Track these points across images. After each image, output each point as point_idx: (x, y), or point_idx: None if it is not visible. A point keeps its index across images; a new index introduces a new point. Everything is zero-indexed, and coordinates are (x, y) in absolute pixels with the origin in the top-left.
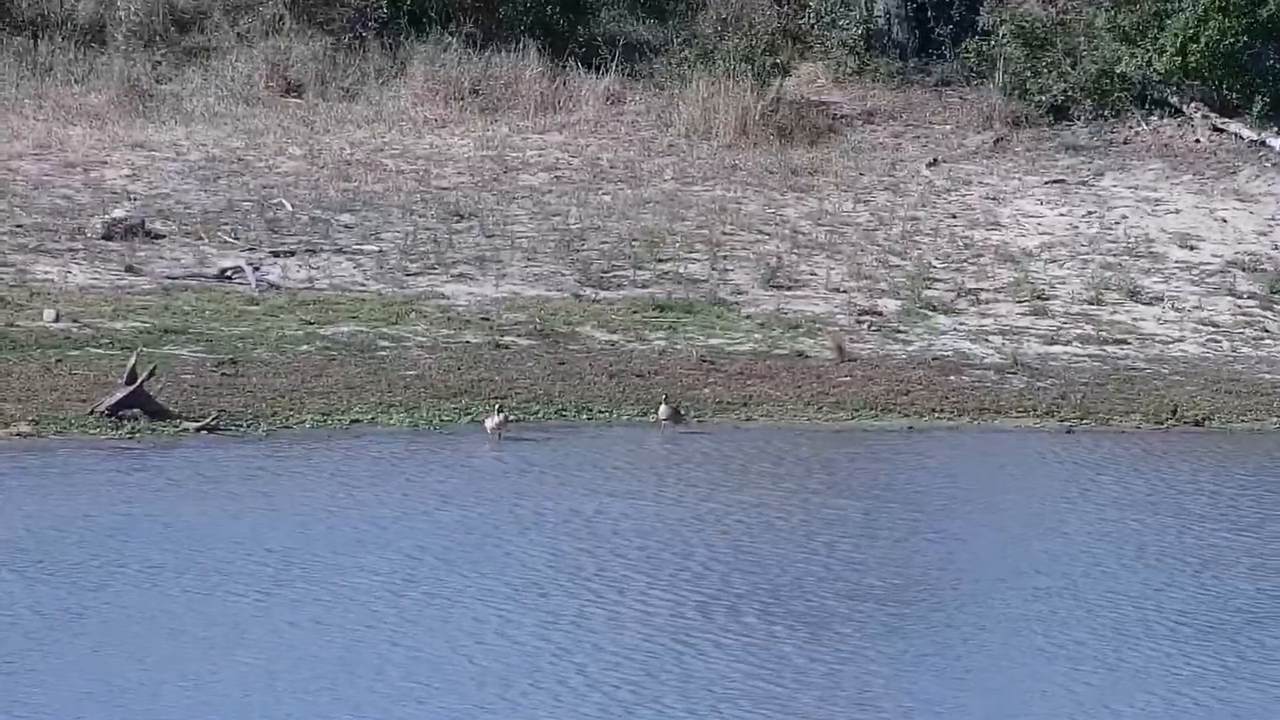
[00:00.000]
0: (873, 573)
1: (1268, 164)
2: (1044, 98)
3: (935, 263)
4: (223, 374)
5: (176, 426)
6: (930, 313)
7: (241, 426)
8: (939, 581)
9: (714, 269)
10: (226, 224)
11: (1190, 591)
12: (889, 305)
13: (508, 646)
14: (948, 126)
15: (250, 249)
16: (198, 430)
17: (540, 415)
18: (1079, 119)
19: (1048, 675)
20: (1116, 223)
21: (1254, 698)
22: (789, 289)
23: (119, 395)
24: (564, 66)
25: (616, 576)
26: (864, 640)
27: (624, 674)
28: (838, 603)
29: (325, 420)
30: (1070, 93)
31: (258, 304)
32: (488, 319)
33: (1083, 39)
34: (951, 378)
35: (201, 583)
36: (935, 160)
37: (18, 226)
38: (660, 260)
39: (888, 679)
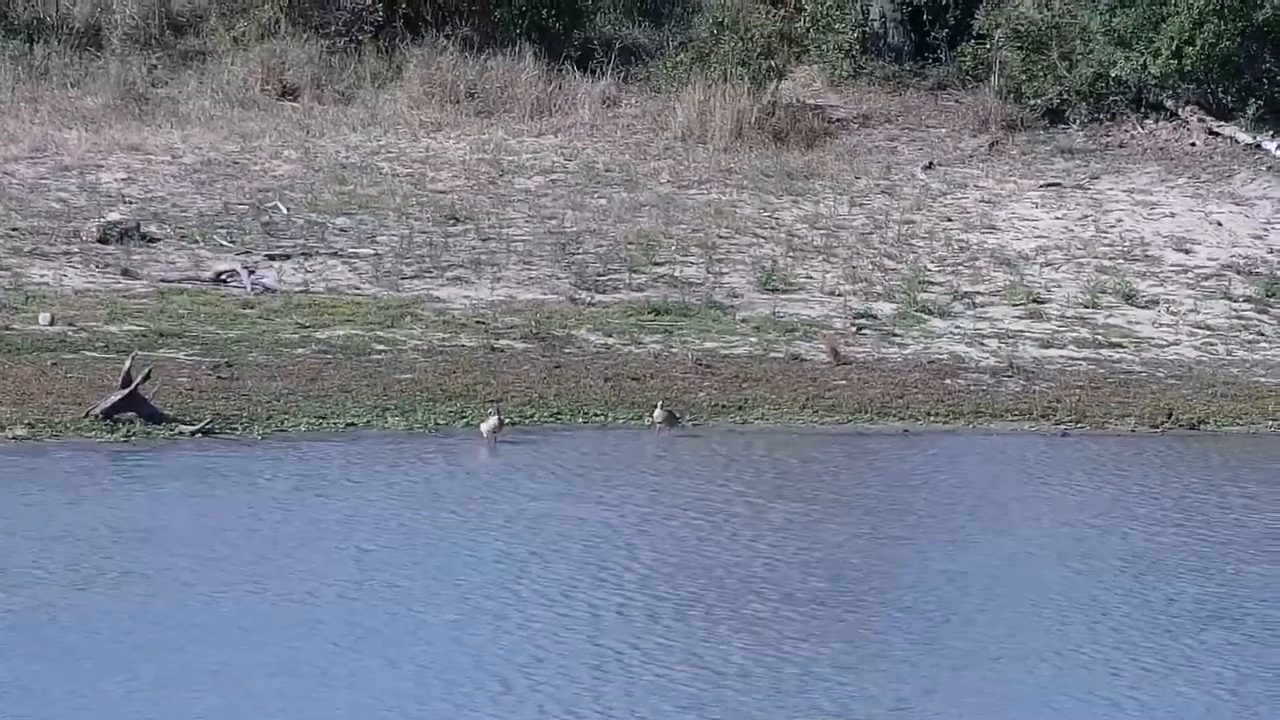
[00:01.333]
0: (823, 575)
1: (1263, 167)
2: (1039, 101)
3: (931, 266)
4: (218, 377)
5: (172, 430)
6: (926, 316)
7: (237, 430)
8: (901, 584)
9: (709, 272)
10: (222, 227)
11: (1141, 594)
12: (885, 308)
13: (466, 649)
14: (943, 130)
15: (245, 252)
16: (193, 434)
17: (535, 419)
18: (1074, 122)
19: (1012, 677)
20: (1112, 226)
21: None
22: (785, 292)
23: (114, 399)
24: (560, 70)
25: (589, 580)
26: (815, 642)
27: (599, 678)
28: (797, 606)
29: (321, 424)
30: (1066, 96)
31: (253, 307)
32: (483, 322)
33: (1078, 42)
34: (947, 381)
35: (189, 588)
36: (931, 163)
37: (13, 230)
38: (656, 263)
39: (839, 678)
